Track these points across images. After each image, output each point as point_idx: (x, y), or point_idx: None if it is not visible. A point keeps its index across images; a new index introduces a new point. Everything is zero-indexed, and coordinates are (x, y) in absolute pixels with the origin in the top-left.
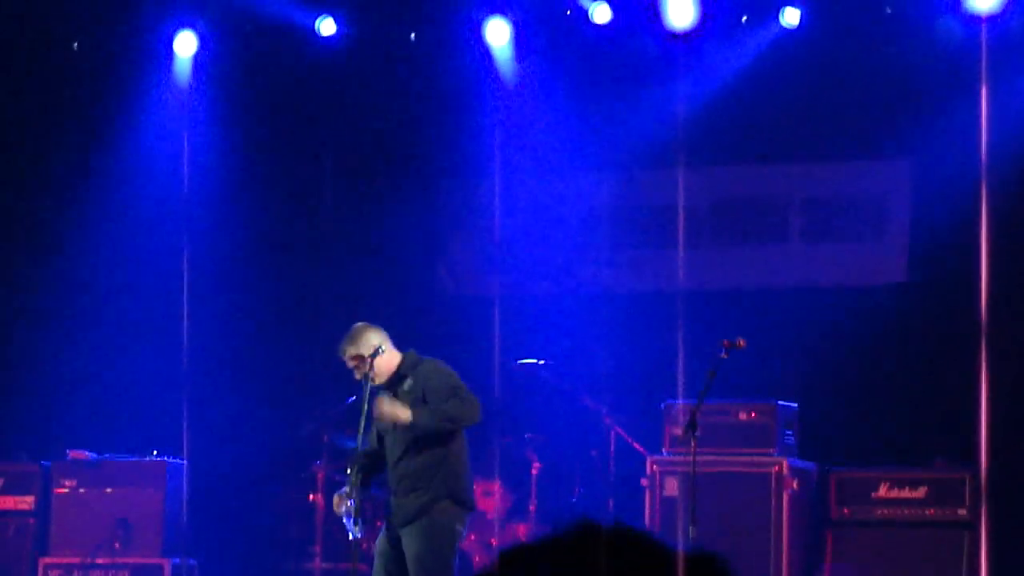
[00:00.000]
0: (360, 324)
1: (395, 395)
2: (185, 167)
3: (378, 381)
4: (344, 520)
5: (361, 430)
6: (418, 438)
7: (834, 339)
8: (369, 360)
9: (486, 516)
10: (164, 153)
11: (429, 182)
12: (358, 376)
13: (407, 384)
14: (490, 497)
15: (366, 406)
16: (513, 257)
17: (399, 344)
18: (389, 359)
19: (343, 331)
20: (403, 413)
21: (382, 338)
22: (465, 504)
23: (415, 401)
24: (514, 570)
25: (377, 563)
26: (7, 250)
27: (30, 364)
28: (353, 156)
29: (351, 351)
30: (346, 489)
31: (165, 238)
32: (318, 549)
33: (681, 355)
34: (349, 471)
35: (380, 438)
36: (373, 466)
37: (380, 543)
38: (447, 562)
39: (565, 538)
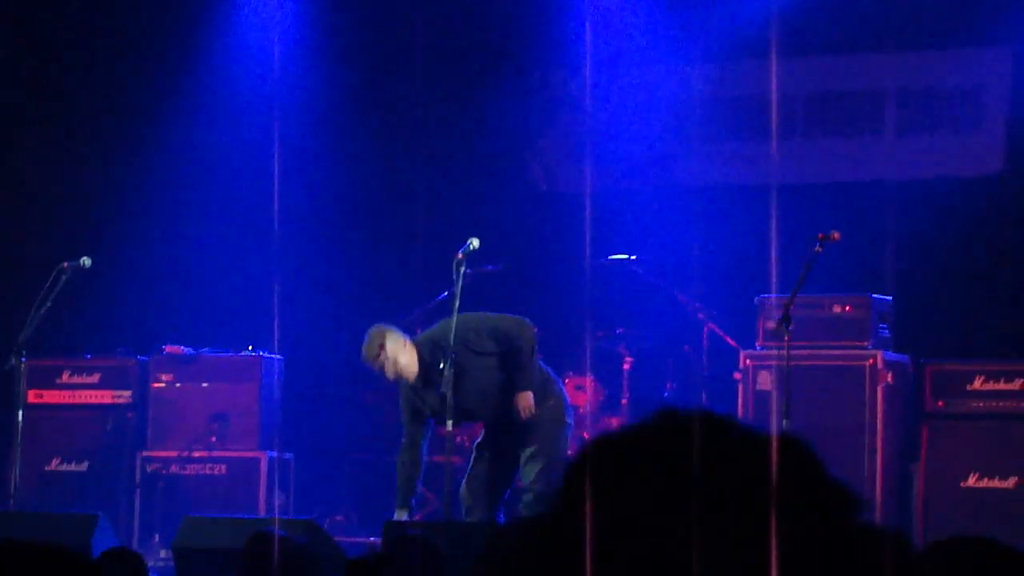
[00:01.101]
0: (373, 330)
1: (433, 379)
2: (276, 59)
3: (412, 379)
4: None
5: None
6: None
7: (929, 232)
8: (392, 367)
9: (578, 410)
10: (256, 48)
11: (519, 75)
12: (390, 378)
13: (443, 366)
14: (582, 391)
15: (406, 402)
16: (604, 151)
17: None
18: (409, 356)
19: (438, 227)
20: (527, 401)
21: (395, 338)
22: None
23: (495, 362)
24: (599, 459)
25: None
26: (105, 146)
27: (126, 259)
28: (442, 49)
29: (371, 359)
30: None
31: (257, 133)
32: None
33: (774, 248)
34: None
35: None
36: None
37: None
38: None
39: (649, 425)
